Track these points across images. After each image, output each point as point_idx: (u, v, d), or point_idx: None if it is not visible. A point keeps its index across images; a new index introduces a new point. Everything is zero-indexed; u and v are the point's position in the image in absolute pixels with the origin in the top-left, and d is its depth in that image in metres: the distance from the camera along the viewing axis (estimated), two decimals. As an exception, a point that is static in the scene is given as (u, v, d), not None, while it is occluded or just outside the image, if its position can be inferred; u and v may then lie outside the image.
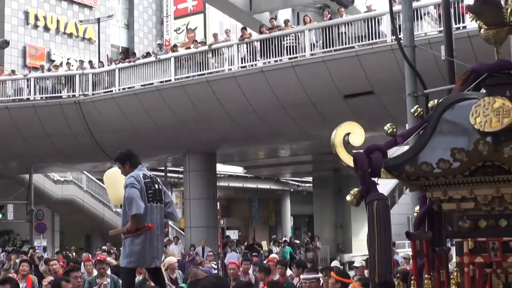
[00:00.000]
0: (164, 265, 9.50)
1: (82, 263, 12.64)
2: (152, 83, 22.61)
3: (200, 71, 21.70)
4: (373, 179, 3.42)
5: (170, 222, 27.68)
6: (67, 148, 24.78)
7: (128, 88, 23.10)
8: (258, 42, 20.85)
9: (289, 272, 11.15)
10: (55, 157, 26.95)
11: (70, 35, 40.84)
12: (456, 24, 15.86)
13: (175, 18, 46.18)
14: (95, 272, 10.65)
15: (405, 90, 11.63)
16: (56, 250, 29.54)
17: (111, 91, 23.38)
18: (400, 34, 12.99)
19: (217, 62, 21.63)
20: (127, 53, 33.50)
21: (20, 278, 10.49)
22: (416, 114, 3.71)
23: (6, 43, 29.81)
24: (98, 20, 34.87)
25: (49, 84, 24.48)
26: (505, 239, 3.25)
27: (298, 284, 9.62)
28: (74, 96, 23.98)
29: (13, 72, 26.80)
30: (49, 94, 24.22)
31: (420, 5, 17.72)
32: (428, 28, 17.96)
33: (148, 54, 24.66)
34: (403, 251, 21.48)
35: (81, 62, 27.07)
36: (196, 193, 24.83)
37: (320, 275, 8.68)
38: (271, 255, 15.65)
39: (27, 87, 24.47)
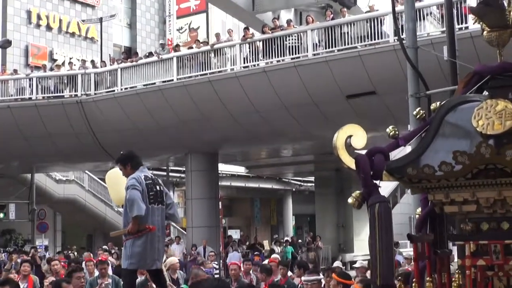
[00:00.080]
0: (166, 265, 9.50)
1: (84, 262, 12.63)
2: (154, 83, 22.60)
3: (202, 71, 21.68)
4: (375, 181, 3.41)
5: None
6: (69, 147, 24.76)
7: (130, 87, 23.09)
8: (261, 42, 20.83)
9: (289, 273, 11.14)
10: (57, 157, 26.93)
11: (73, 34, 40.81)
12: (458, 24, 15.82)
13: (178, 18, 46.17)
14: (96, 272, 10.67)
15: (408, 91, 11.61)
16: (58, 250, 29.60)
17: (113, 90, 23.37)
18: (402, 35, 12.97)
19: (219, 62, 21.63)
20: (129, 52, 33.51)
21: (21, 278, 10.51)
22: (418, 116, 3.70)
23: (9, 43, 29.77)
24: (101, 20, 34.92)
25: (51, 83, 24.48)
26: (507, 242, 3.25)
27: (299, 285, 9.61)
28: (76, 95, 23.97)
29: (15, 71, 26.79)
30: (51, 94, 24.20)
31: (423, 6, 17.69)
32: (430, 28, 17.92)
33: (150, 54, 24.67)
34: (405, 250, 21.48)
35: (83, 61, 27.02)
36: (198, 192, 24.83)
37: (321, 276, 8.66)
38: (273, 256, 15.65)
39: (29, 86, 24.45)
